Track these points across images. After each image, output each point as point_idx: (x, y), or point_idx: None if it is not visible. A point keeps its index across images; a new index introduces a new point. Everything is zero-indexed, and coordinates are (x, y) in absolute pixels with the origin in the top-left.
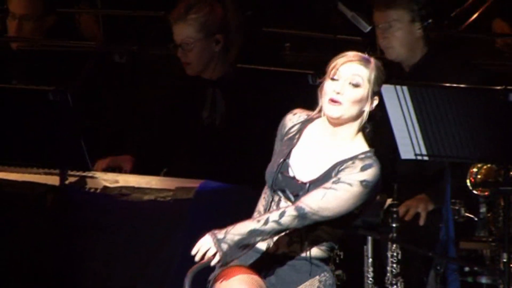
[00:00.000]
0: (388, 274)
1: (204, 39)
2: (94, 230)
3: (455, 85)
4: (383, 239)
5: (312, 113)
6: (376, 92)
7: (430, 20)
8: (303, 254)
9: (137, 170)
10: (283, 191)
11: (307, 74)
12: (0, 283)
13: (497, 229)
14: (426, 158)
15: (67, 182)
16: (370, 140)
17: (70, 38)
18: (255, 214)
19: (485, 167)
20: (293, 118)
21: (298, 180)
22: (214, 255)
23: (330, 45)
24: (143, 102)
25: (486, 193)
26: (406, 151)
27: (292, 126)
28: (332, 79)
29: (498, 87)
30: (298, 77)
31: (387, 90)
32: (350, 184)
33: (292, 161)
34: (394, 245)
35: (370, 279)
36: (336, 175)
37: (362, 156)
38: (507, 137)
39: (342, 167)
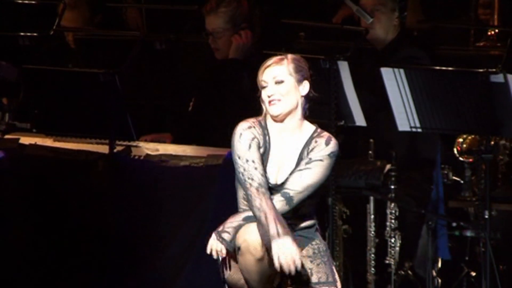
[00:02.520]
0: (388, 228)
1: (231, 29)
2: (137, 191)
3: (444, 68)
4: (383, 198)
5: (256, 119)
6: (302, 78)
7: (405, 13)
8: (296, 230)
9: (174, 142)
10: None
11: (319, 59)
12: (60, 231)
13: (479, 190)
14: (419, 130)
15: (115, 150)
16: (309, 117)
17: (118, 28)
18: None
19: (469, 137)
20: (254, 131)
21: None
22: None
23: (338, 34)
24: (180, 83)
25: (471, 160)
26: (403, 124)
27: (260, 140)
28: (263, 87)
29: (481, 70)
30: (311, 61)
31: (386, 73)
32: (321, 160)
33: (270, 168)
34: (393, 204)
35: (372, 232)
36: (306, 156)
37: (316, 134)
38: (488, 112)
39: (310, 149)
